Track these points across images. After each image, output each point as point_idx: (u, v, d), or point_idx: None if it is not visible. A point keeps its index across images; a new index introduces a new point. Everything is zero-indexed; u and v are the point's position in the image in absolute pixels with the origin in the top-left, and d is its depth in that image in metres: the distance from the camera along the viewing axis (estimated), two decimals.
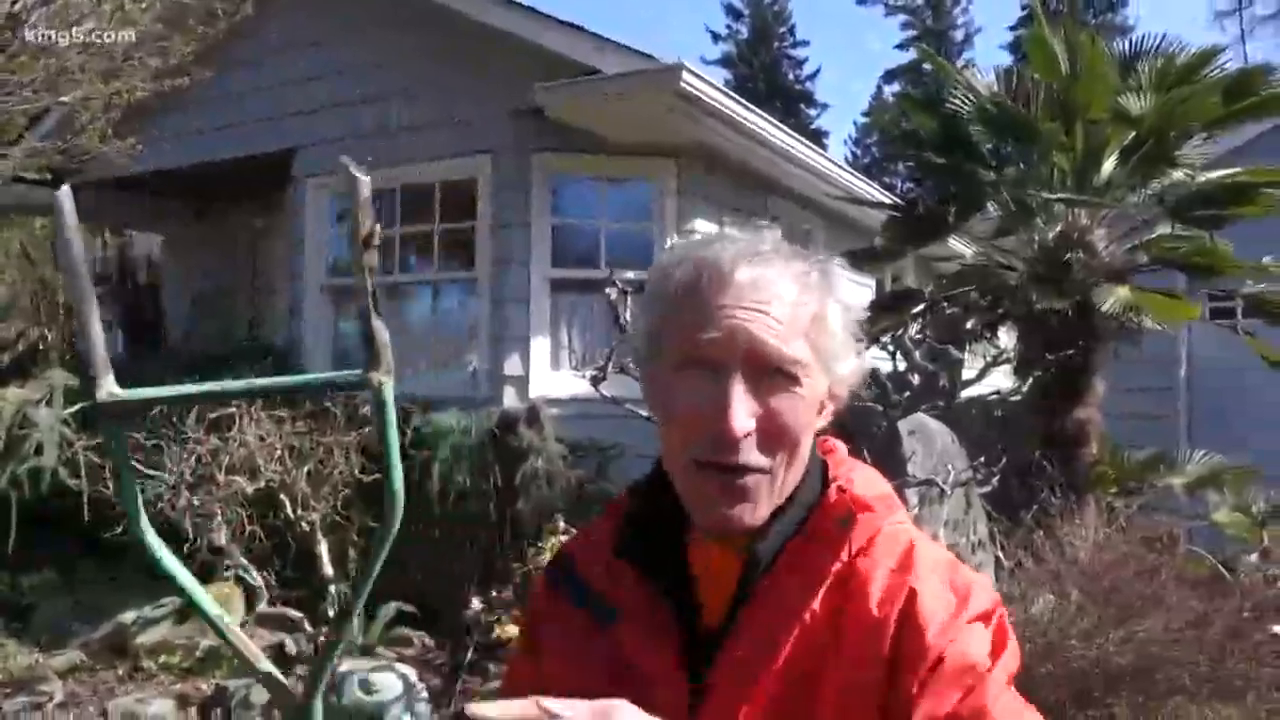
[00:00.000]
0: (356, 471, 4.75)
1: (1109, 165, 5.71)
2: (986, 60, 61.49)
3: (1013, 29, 39.49)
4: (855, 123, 42.80)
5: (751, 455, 0.86)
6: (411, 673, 4.02)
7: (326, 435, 4.69)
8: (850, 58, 55.52)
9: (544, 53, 5.48)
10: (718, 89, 5.37)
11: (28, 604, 5.54)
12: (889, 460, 3.76)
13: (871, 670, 0.85)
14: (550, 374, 5.81)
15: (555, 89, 5.31)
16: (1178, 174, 5.64)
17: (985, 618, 0.89)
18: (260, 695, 4.23)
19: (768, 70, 40.74)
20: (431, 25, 5.96)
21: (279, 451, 4.52)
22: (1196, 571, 4.88)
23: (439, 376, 5.95)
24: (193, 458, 4.33)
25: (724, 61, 41.28)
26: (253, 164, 6.90)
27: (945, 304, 5.83)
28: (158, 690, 4.47)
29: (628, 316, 4.36)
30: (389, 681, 3.92)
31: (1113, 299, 4.80)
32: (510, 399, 5.65)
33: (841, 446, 1.02)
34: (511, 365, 5.76)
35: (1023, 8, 38.72)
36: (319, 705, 0.94)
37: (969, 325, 5.70)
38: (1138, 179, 5.71)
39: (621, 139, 5.75)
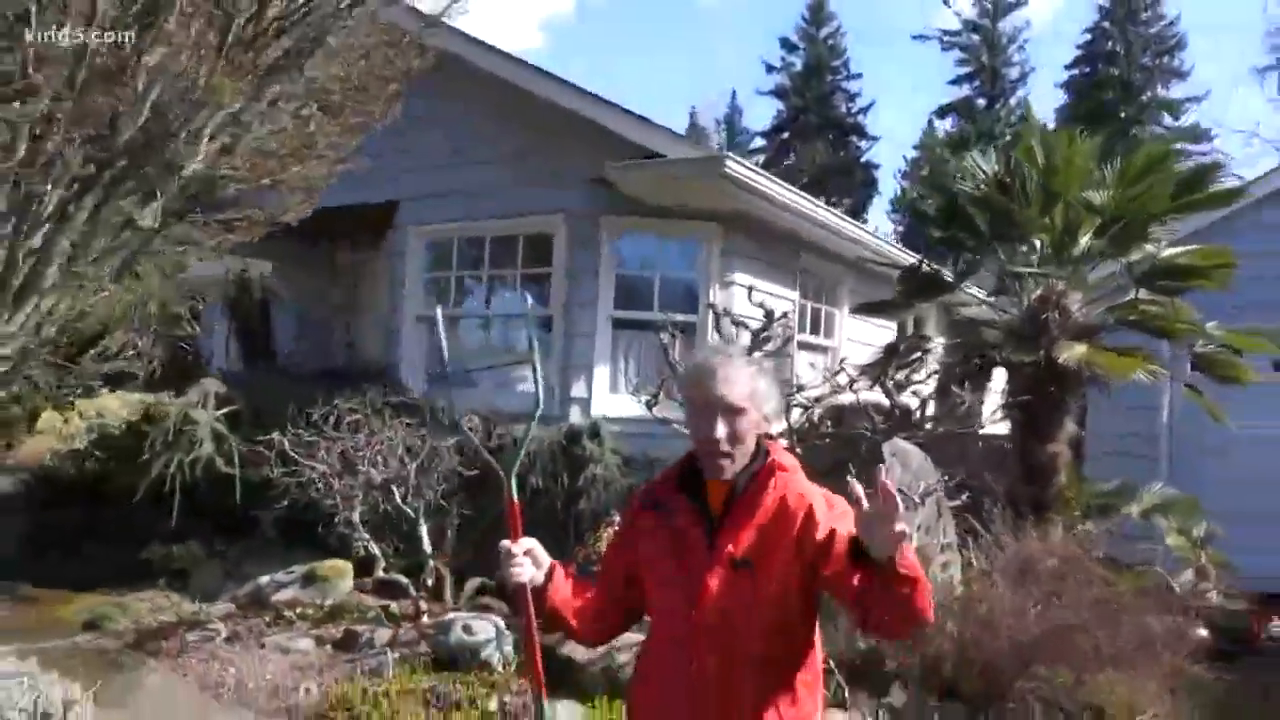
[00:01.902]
0: (457, 468, 6.13)
1: (1085, 241, 6.92)
2: (1040, 98, 62.08)
3: (1069, 68, 40.04)
4: (905, 157, 43.59)
5: (724, 447, 2.14)
6: (501, 622, 5.35)
7: (438, 437, 6.10)
8: (905, 92, 56.52)
9: (613, 135, 6.87)
10: (754, 170, 6.73)
11: (179, 568, 6.98)
12: (870, 473, 5.03)
13: (788, 534, 2.12)
14: (609, 397, 7.16)
15: (623, 168, 6.72)
16: (1147, 249, 6.85)
17: (846, 513, 2.12)
18: (382, 635, 5.61)
19: (820, 102, 41.91)
20: (523, 106, 7.40)
21: (400, 450, 5.92)
22: (1139, 582, 6.08)
23: (518, 395, 7.31)
24: (339, 452, 5.73)
25: (777, 93, 42.61)
26: (361, 210, 8.34)
27: (949, 351, 7.10)
28: (298, 632, 5.86)
29: (676, 355, 5.72)
30: (484, 627, 5.26)
31: (1069, 353, 6.03)
32: (575, 416, 7.01)
33: (779, 442, 2.32)
34: (578, 389, 7.13)
35: (1077, 47, 39.59)
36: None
37: (960, 370, 6.96)
38: (1109, 253, 6.92)
39: (674, 205, 7.13)
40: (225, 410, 7.02)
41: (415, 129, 7.78)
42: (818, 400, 5.61)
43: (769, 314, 5.54)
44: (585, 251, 7.28)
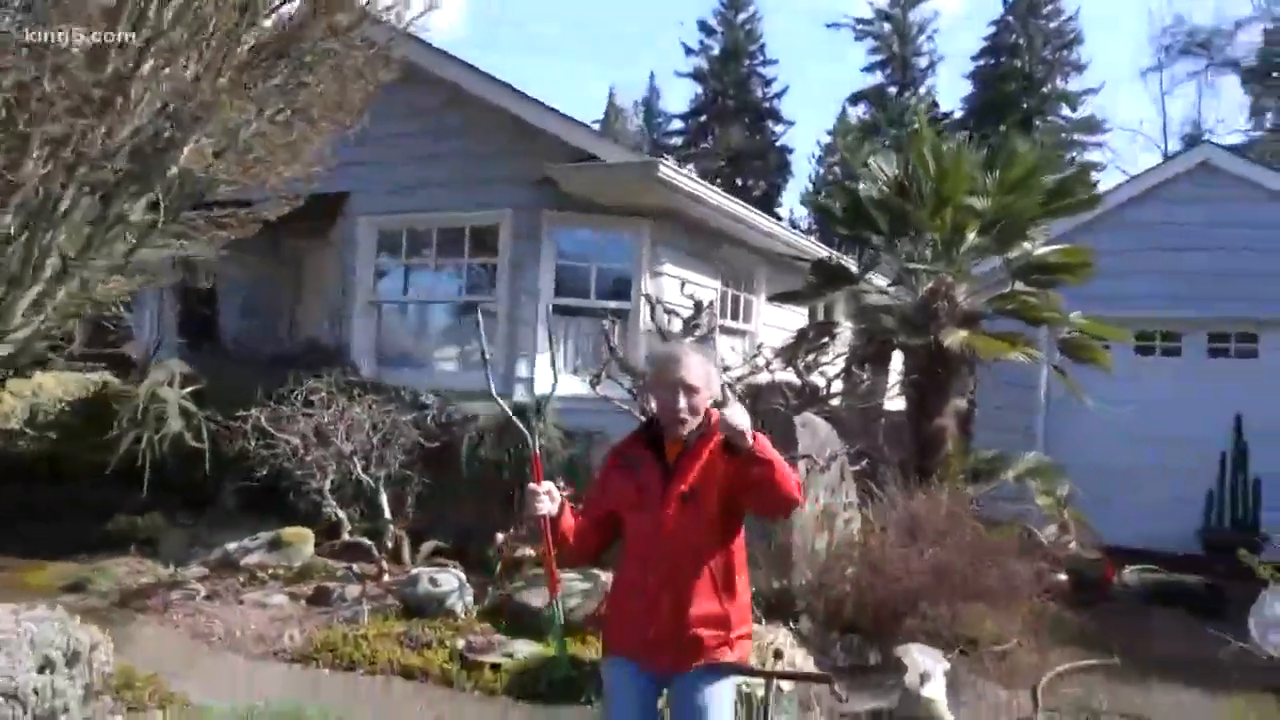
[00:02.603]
0: (418, 440, 6.86)
1: (971, 239, 7.99)
2: (948, 87, 64.29)
3: (975, 59, 41.76)
4: (819, 143, 44.98)
5: (684, 415, 2.98)
6: (462, 575, 6.13)
7: (398, 412, 6.81)
8: (818, 78, 58.16)
9: (555, 139, 7.64)
10: (683, 174, 7.60)
11: (146, 538, 7.54)
12: (784, 442, 5.96)
13: (716, 473, 2.96)
14: (549, 375, 7.91)
15: (565, 169, 7.50)
16: (1024, 247, 7.95)
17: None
18: (352, 591, 6.32)
19: (737, 86, 43.02)
20: (472, 108, 8.10)
21: (367, 425, 6.61)
22: (1009, 535, 7.17)
23: (467, 375, 8.06)
24: (313, 426, 6.40)
25: (695, 75, 43.55)
26: (311, 198, 8.86)
27: (855, 335, 8.08)
28: (272, 590, 6.53)
29: (615, 340, 6.54)
30: (448, 579, 6.04)
31: (953, 338, 7.07)
32: (520, 394, 7.77)
33: (714, 411, 3.16)
34: (522, 369, 7.92)
35: (982, 39, 41.39)
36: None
37: (863, 352, 7.98)
38: (992, 250, 8.01)
39: (610, 203, 7.93)
40: (189, 389, 7.57)
41: (371, 125, 8.40)
42: (738, 380, 6.51)
43: (698, 304, 6.43)
44: (528, 243, 8.04)
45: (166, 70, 4.91)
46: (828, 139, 44.60)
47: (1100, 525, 8.41)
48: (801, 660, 5.02)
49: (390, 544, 6.94)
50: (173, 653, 5.52)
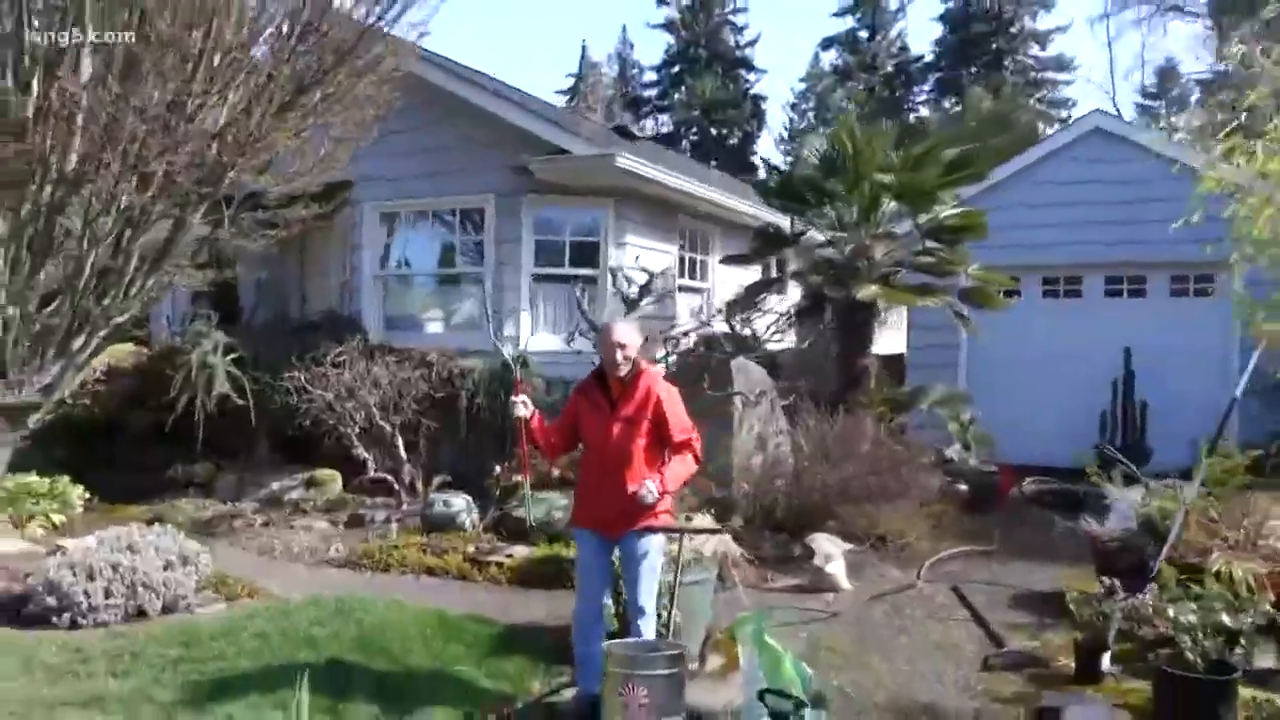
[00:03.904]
0: (425, 390, 8.49)
1: (888, 206, 9.56)
2: (918, 30, 64.41)
3: (944, 0, 42.54)
4: (792, 90, 46.07)
5: (619, 361, 4.60)
6: (469, 499, 7.80)
7: (409, 370, 8.44)
8: (791, 23, 58.86)
9: (531, 134, 9.16)
10: (637, 161, 9.17)
11: (201, 482, 9.18)
12: (721, 382, 7.62)
13: (647, 403, 4.59)
14: (533, 335, 9.54)
15: (539, 161, 9.05)
16: (935, 210, 9.54)
17: (672, 394, 4.62)
18: (381, 515, 7.98)
19: (709, 36, 43.98)
20: (461, 107, 9.59)
21: (384, 381, 8.23)
22: (919, 454, 8.85)
23: (462, 335, 9.64)
24: (344, 383, 8.01)
25: (667, 26, 44.48)
26: (320, 188, 10.36)
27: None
28: (314, 518, 8.19)
29: (585, 305, 8.15)
30: (459, 502, 7.70)
31: (864, 292, 8.69)
32: (508, 350, 9.37)
33: (643, 361, 4.79)
34: (509, 329, 9.51)
35: None
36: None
37: (800, 305, 9.61)
38: (905, 214, 9.59)
39: (579, 186, 9.48)
40: (231, 357, 9.14)
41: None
42: (686, 333, 8.15)
43: (650, 274, 8.02)
44: (510, 222, 9.60)
45: (225, 108, 6.44)
46: (801, 86, 45.84)
47: (1012, 445, 10.15)
48: (734, 549, 6.69)
49: (407, 479, 8.59)
50: (247, 563, 7.17)
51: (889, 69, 44.00)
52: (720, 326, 8.59)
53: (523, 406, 4.68)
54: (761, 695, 3.91)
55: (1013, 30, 41.25)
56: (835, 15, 44.09)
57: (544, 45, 68.79)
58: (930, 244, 9.61)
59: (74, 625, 5.53)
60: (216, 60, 6.17)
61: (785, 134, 44.85)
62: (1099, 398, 11.10)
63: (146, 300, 7.06)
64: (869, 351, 9.59)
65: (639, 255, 9.19)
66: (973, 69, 40.87)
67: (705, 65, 43.63)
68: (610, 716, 3.80)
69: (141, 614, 5.72)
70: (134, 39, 5.72)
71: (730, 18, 44.50)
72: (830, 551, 6.95)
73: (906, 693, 5.08)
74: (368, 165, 9.90)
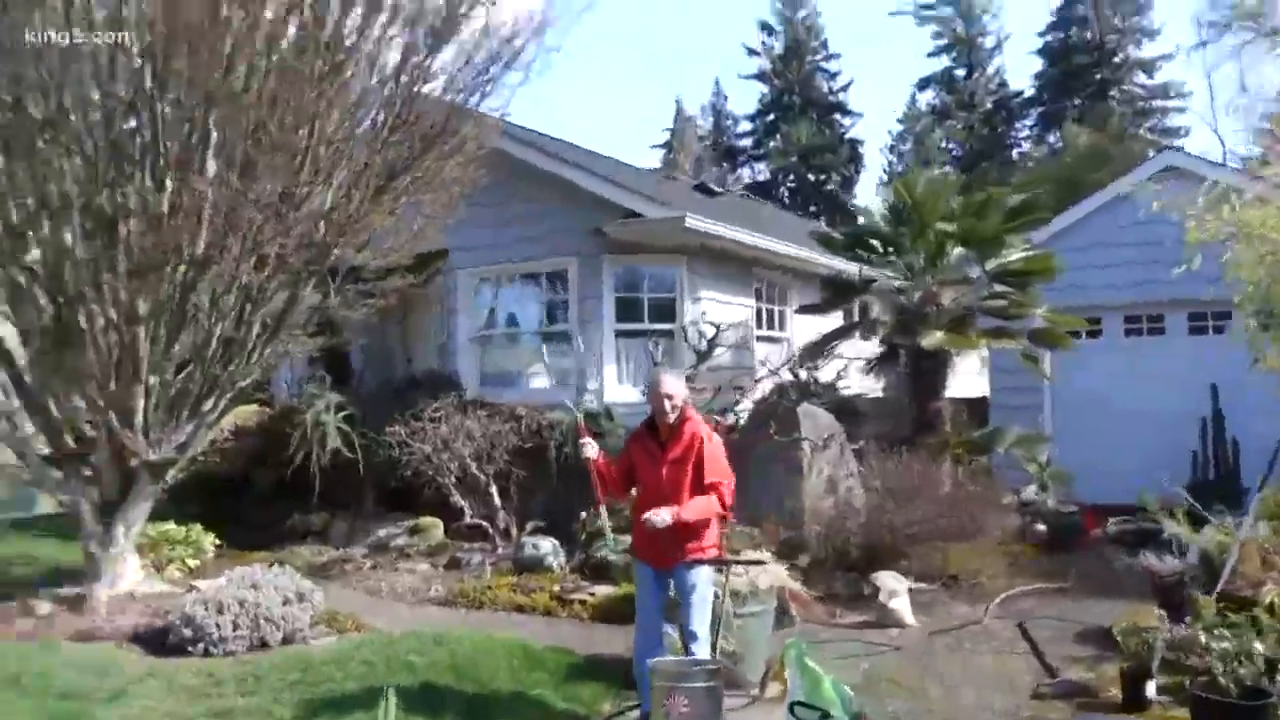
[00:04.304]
0: (516, 441, 9.24)
1: (954, 253, 9.95)
2: (1016, 64, 63.59)
3: (1042, 35, 42.26)
4: (890, 132, 46.17)
5: (667, 410, 5.19)
6: (555, 542, 8.46)
7: (500, 423, 9.21)
8: (886, 66, 59.18)
9: (607, 200, 9.94)
10: (707, 221, 9.77)
11: (318, 530, 10.11)
12: (787, 428, 8.13)
13: (691, 448, 5.17)
14: (616, 387, 10.25)
15: (614, 224, 9.81)
16: (1003, 254, 9.88)
17: (719, 441, 5.20)
18: (476, 558, 8.71)
19: (802, 83, 44.71)
20: (543, 179, 10.46)
21: (477, 433, 9.01)
22: (994, 495, 9.13)
23: (550, 391, 10.41)
24: (440, 436, 8.83)
25: (760, 76, 45.44)
26: (419, 257, 11.36)
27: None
28: (417, 561, 8.97)
29: (659, 357, 8.79)
30: (546, 545, 8.37)
31: (929, 339, 9.07)
32: (591, 402, 10.07)
33: (691, 409, 5.38)
34: (593, 383, 10.22)
35: (1052, 13, 41.90)
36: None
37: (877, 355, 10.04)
38: (971, 260, 9.96)
39: (653, 245, 10.19)
40: (342, 415, 10.10)
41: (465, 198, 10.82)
42: (756, 381, 8.69)
43: (716, 327, 8.62)
44: (592, 281, 10.37)
45: (329, 194, 7.39)
46: (899, 127, 45.98)
47: (1096, 484, 10.26)
48: (791, 584, 7.13)
49: (501, 524, 9.32)
50: (356, 602, 7.97)
51: (988, 106, 43.84)
52: (788, 375, 9.10)
53: (590, 448, 5.29)
54: (792, 708, 4.39)
55: (1116, 60, 40.63)
56: (931, 56, 44.32)
57: (641, 103, 70.89)
58: (999, 288, 9.92)
59: (207, 654, 6.37)
60: (321, 152, 7.14)
61: (885, 176, 45.04)
62: (1184, 436, 11.08)
63: (265, 366, 8.04)
64: (941, 395, 9.93)
65: (705, 310, 9.82)
66: (1076, 101, 40.36)
67: (800, 112, 44.34)
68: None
69: (264, 644, 6.53)
70: (251, 143, 6.70)
71: (822, 64, 45.21)
72: (894, 588, 7.32)
73: (952, 717, 5.44)
74: (461, 235, 10.86)
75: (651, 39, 72.22)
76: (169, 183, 6.73)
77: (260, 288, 7.29)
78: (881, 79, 65.02)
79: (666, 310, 10.51)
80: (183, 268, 6.95)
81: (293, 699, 5.58)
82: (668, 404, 5.12)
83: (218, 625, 6.47)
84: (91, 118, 6.53)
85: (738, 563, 5.45)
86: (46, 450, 7.68)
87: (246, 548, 9.82)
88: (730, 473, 5.17)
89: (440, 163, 7.62)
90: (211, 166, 6.88)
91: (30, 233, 6.77)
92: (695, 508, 4.94)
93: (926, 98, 45.05)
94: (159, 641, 6.64)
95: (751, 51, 45.60)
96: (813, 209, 40.73)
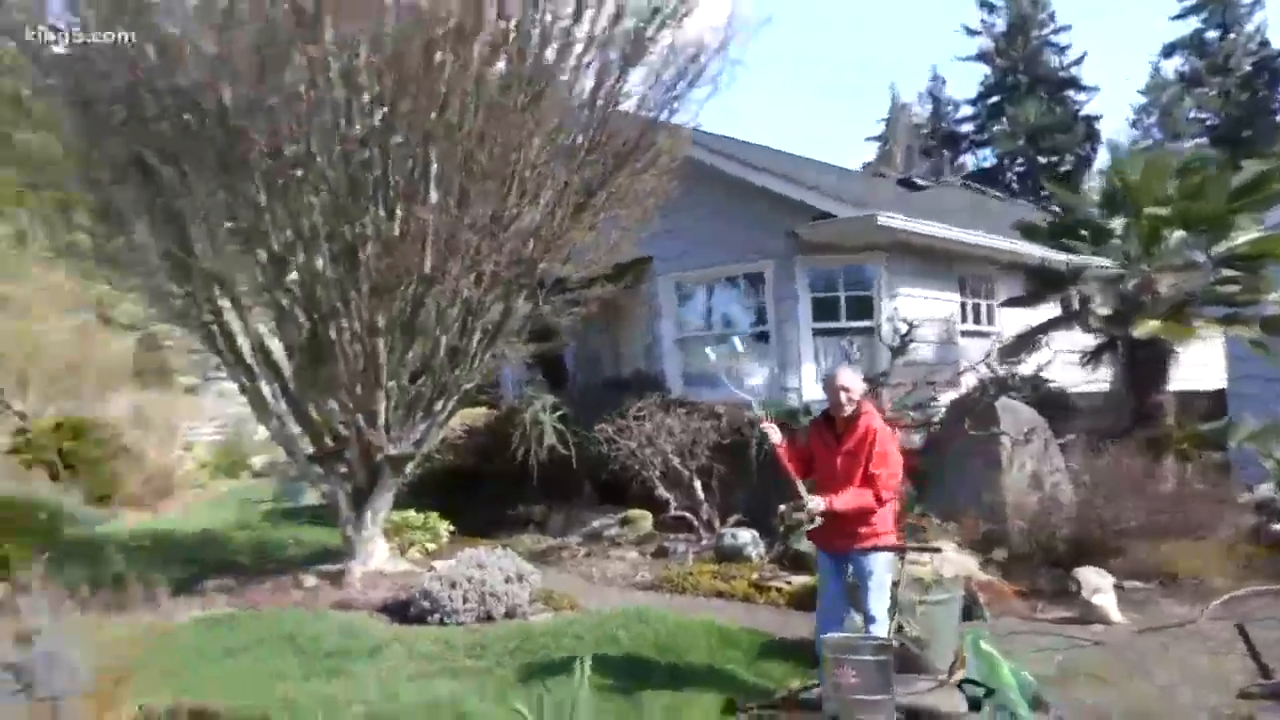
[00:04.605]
0: (716, 438, 9.77)
1: (1173, 237, 9.54)
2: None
3: None
4: (1131, 105, 43.10)
5: (842, 402, 5.55)
6: (755, 533, 8.91)
7: (700, 421, 9.77)
8: (1123, 36, 55.12)
9: (799, 203, 10.29)
10: (899, 217, 9.96)
11: (538, 520, 11.06)
12: (985, 423, 8.18)
13: (865, 439, 5.50)
14: (813, 385, 10.54)
15: (806, 226, 10.14)
16: (1231, 236, 9.40)
17: (891, 434, 5.51)
18: (681, 547, 9.30)
19: (1028, 60, 42.62)
20: (736, 185, 10.94)
21: (677, 430, 9.62)
22: (1224, 493, 8.69)
23: (753, 387, 10.84)
24: (645, 433, 9.52)
25: (980, 57, 43.72)
26: (620, 265, 12.12)
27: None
28: (626, 550, 9.69)
29: (855, 355, 9.04)
30: (745, 535, 8.84)
31: (1143, 329, 8.79)
32: (791, 400, 10.43)
33: (868, 403, 5.70)
34: (791, 381, 10.58)
35: None
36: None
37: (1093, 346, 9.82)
38: (1192, 245, 9.53)
39: (848, 244, 10.42)
40: (557, 414, 11.00)
41: (662, 207, 11.49)
42: (954, 377, 8.77)
43: (909, 324, 8.77)
44: (788, 282, 10.73)
45: (535, 214, 8.21)
46: (1142, 99, 42.95)
47: None
48: (979, 575, 7.23)
49: (704, 516, 9.87)
50: (570, 585, 8.77)
51: (1246, 69, 40.08)
52: (987, 370, 9.07)
53: (774, 433, 5.70)
54: (961, 685, 4.65)
55: None
56: (1176, 19, 41.11)
57: (856, 95, 69.75)
58: (1227, 272, 9.43)
59: (441, 623, 7.31)
60: (526, 176, 7.97)
61: (1124, 152, 42.05)
62: None
63: (485, 371, 9.00)
64: (1162, 387, 9.55)
65: (900, 307, 9.93)
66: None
67: (1026, 91, 42.30)
68: (828, 692, 4.72)
69: (489, 617, 7.40)
70: (464, 174, 7.60)
71: (1050, 38, 42.91)
72: (1098, 584, 7.24)
73: (1146, 711, 5.45)
74: (662, 242, 11.54)
75: (866, 26, 70.98)
76: (398, 211, 7.76)
77: (479, 301, 8.23)
78: (1118, 49, 60.71)
79: (865, 307, 10.71)
80: (412, 285, 7.96)
81: (512, 663, 6.37)
82: (843, 396, 5.47)
83: (450, 599, 7.40)
84: (333, 158, 7.65)
85: (912, 549, 5.69)
86: (310, 450, 8.97)
87: (476, 534, 10.91)
88: (898, 467, 5.45)
89: (633, 179, 8.28)
90: (433, 196, 7.84)
91: (288, 260, 7.99)
92: (846, 499, 5.26)
93: (1173, 65, 41.86)
94: (402, 612, 7.66)
95: (971, 31, 43.98)
96: (1044, 193, 38.72)
